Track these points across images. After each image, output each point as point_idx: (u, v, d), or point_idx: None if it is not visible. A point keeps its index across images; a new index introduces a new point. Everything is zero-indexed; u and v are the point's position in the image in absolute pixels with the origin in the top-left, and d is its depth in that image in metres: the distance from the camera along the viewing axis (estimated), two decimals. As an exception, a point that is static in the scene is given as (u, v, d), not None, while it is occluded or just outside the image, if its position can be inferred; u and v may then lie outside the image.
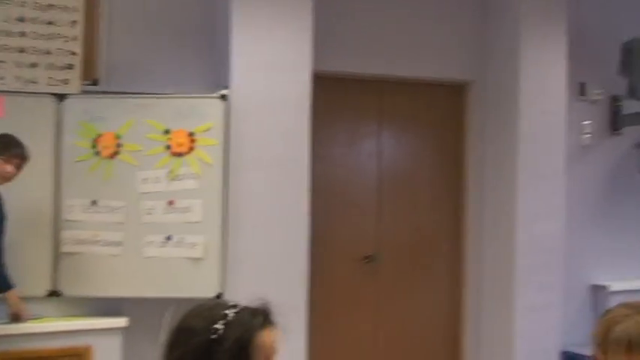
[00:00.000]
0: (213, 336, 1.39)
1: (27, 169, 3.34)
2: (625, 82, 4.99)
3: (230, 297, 1.47)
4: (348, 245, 4.53)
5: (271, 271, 3.82)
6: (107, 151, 3.68)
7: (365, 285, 4.58)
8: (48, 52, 3.63)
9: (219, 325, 1.40)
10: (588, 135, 5.12)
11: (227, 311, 1.44)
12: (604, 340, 2.14)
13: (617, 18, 5.17)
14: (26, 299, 3.49)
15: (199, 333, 1.39)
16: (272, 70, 3.85)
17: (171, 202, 3.68)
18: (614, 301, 4.31)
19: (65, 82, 3.66)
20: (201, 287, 3.64)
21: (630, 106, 5.16)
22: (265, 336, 1.45)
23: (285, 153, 3.87)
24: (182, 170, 3.68)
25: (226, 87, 3.78)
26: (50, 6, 3.65)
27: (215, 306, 1.47)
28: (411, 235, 4.72)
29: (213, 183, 3.68)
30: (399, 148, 4.72)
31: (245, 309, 1.47)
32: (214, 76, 3.98)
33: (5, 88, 3.56)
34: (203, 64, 4.04)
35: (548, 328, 4.62)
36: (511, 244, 4.55)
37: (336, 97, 4.49)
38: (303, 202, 3.90)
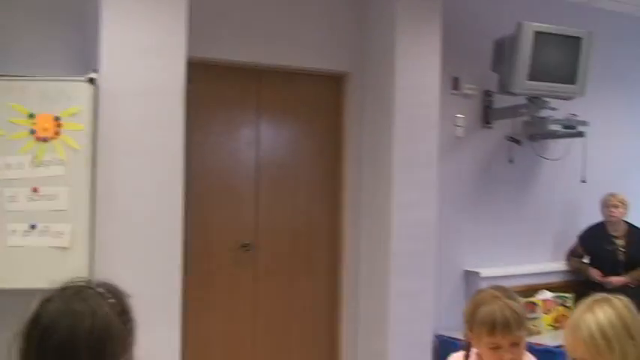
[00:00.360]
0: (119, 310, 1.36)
1: None
2: (496, 78, 5.23)
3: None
4: (225, 233, 4.52)
5: (143, 260, 3.74)
6: (-34, 135, 3.51)
7: (243, 272, 4.58)
8: None
9: (112, 300, 1.36)
10: (461, 127, 5.32)
11: (98, 289, 1.40)
12: (471, 318, 2.24)
13: (489, 16, 5.41)
14: None
15: (113, 319, 1.34)
16: (144, 54, 3.77)
17: (35, 190, 3.54)
18: (485, 287, 4.52)
19: None
20: (68, 277, 3.52)
21: (501, 101, 5.41)
22: None
23: (158, 140, 3.80)
24: (47, 156, 3.55)
25: (96, 70, 3.68)
26: None
27: (75, 293, 1.40)
28: (289, 223, 4.76)
29: (80, 170, 3.57)
30: (278, 137, 4.75)
31: (102, 283, 1.43)
32: (84, 59, 3.86)
33: None
34: (72, 46, 3.90)
35: (423, 312, 4.77)
36: (387, 231, 4.67)
37: (213, 84, 4.47)
38: (176, 190, 3.85)
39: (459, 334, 4.54)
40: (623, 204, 5.68)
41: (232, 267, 4.54)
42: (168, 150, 3.82)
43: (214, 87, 4.48)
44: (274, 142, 4.73)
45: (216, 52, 4.35)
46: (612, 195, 5.69)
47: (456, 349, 2.43)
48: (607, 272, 5.55)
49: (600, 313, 1.82)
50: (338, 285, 4.92)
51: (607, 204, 5.69)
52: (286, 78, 4.73)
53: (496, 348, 2.18)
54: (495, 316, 2.17)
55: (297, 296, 4.79)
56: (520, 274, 5.40)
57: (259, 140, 4.66)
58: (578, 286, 5.55)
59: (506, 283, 4.32)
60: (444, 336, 4.87)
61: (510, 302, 2.20)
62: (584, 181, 5.76)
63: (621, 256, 5.62)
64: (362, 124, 4.90)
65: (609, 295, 1.89)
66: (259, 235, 4.63)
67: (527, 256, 5.64)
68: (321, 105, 4.89)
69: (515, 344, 2.19)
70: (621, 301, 1.85)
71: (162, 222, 3.80)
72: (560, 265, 5.81)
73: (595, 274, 5.59)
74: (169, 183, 3.83)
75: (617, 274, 5.52)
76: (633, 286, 5.49)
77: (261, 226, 4.64)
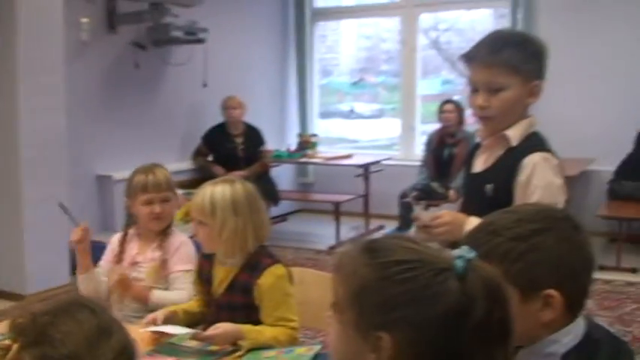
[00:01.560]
0: None
1: None
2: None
3: None
4: None
5: None
6: None
7: None
8: None
9: None
10: (86, 32, 5.28)
11: None
12: (129, 187, 2.58)
13: None
14: None
15: None
16: None
17: None
18: (118, 190, 4.68)
19: None
20: None
21: (125, 6, 5.48)
22: None
23: None
24: None
25: None
26: None
27: None
28: None
29: None
30: None
31: None
32: None
33: None
34: None
35: (57, 218, 4.78)
36: (14, 139, 4.55)
37: None
38: None
39: (95, 237, 4.70)
40: (241, 105, 6.29)
41: None
42: None
43: None
44: None
45: None
46: (231, 97, 6.25)
47: (93, 251, 2.62)
48: (229, 168, 6.14)
49: (219, 187, 2.22)
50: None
51: (226, 106, 6.25)
52: None
53: (149, 203, 2.55)
54: (147, 177, 2.56)
55: None
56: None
57: None
58: (204, 182, 6.01)
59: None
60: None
61: (158, 168, 2.62)
62: (205, 85, 6.22)
63: (240, 153, 6.28)
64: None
65: (237, 179, 2.30)
66: None
67: (156, 158, 5.86)
68: None
69: (165, 201, 2.58)
70: (243, 185, 2.26)
71: None
72: (187, 165, 6.24)
73: (218, 170, 6.13)
74: None
75: (239, 168, 6.15)
76: (252, 178, 6.20)
77: None
